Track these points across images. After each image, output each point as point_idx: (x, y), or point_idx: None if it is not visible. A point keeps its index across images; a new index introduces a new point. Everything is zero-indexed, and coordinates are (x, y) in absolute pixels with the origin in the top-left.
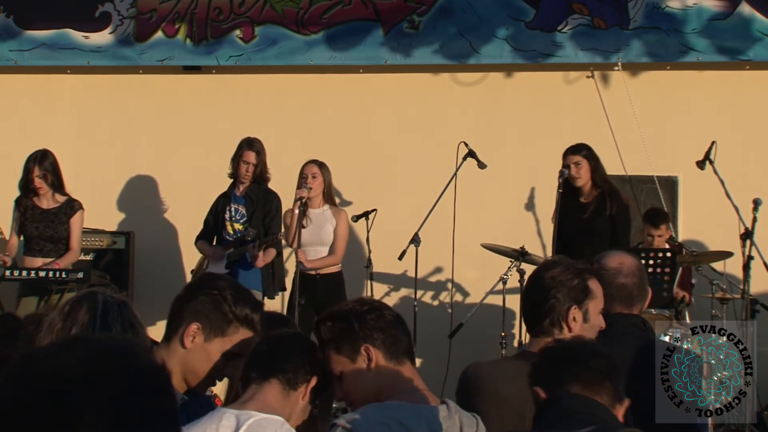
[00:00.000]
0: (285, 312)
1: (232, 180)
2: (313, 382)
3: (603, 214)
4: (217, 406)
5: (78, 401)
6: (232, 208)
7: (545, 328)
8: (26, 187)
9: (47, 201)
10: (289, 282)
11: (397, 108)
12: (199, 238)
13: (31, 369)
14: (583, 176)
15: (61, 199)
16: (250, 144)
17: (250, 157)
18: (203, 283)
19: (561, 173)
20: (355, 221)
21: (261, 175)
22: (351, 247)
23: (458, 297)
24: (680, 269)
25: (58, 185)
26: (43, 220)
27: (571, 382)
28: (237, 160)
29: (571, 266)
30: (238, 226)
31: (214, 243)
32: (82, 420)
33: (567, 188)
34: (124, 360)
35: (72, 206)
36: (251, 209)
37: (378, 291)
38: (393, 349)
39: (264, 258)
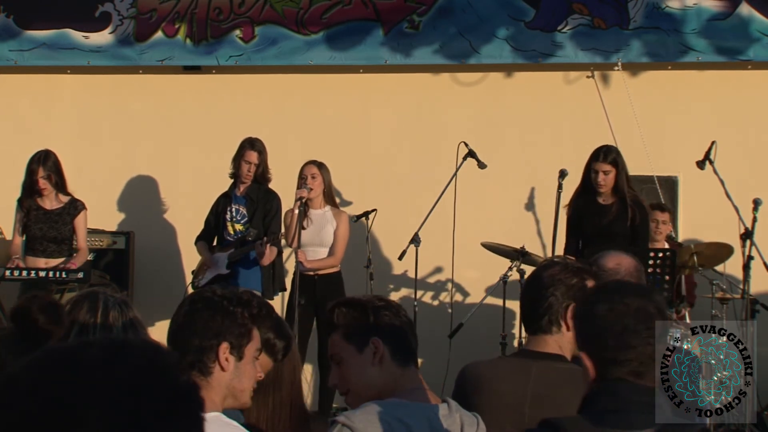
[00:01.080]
0: (284, 312)
1: (232, 180)
2: (224, 347)
3: (624, 219)
4: None
5: (115, 412)
6: (233, 209)
7: (543, 326)
8: (30, 188)
9: (50, 201)
10: (288, 282)
11: (397, 108)
12: (199, 238)
13: (83, 373)
14: (608, 184)
15: (64, 199)
16: (252, 144)
17: (252, 157)
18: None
19: (561, 173)
20: (355, 221)
21: (262, 176)
22: (351, 247)
23: (458, 297)
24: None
25: (61, 185)
26: (47, 220)
27: (623, 368)
28: (238, 159)
29: (570, 265)
30: (238, 227)
31: (215, 243)
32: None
33: (585, 188)
34: (169, 376)
35: (75, 206)
36: (252, 209)
37: (378, 291)
38: (400, 350)
39: (269, 255)
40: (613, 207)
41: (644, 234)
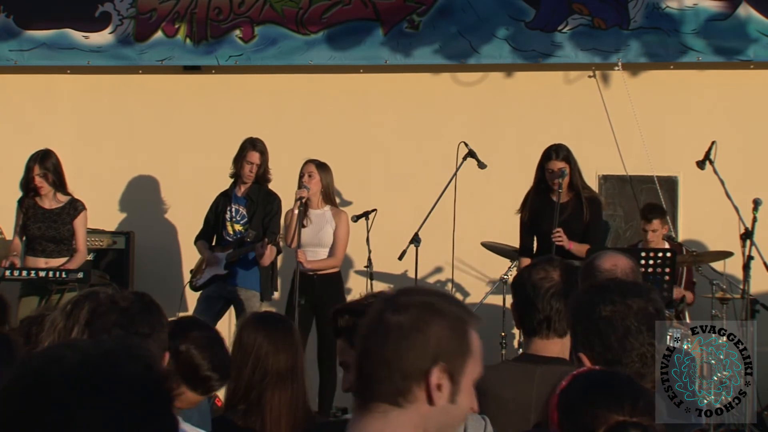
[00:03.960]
0: (285, 312)
1: (232, 180)
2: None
3: (581, 216)
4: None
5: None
6: (233, 209)
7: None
8: (27, 186)
9: (49, 201)
10: (288, 282)
11: (397, 108)
12: (199, 237)
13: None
14: (564, 181)
15: (63, 198)
16: (253, 144)
17: (254, 157)
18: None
19: (561, 173)
20: (355, 221)
21: (263, 176)
22: (351, 247)
23: (458, 297)
24: (684, 269)
25: (59, 185)
26: (46, 220)
27: (625, 369)
28: (240, 160)
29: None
30: (238, 227)
31: (214, 242)
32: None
33: (539, 187)
34: (150, 374)
35: (75, 207)
36: (252, 210)
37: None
38: None
39: (269, 255)
40: (569, 205)
41: (594, 230)
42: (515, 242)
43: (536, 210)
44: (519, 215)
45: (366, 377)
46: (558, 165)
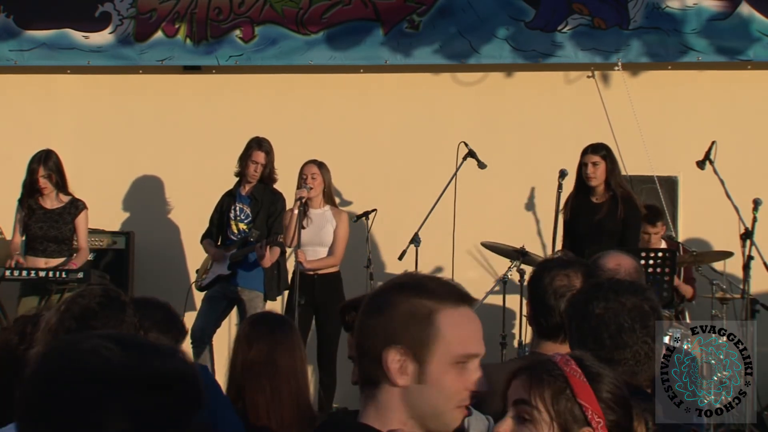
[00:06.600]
0: (284, 312)
1: (237, 179)
2: None
3: (615, 216)
4: None
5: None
6: (237, 208)
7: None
8: (31, 187)
9: (51, 201)
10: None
11: (397, 108)
12: (204, 236)
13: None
14: (598, 177)
15: (64, 198)
16: (259, 144)
17: (260, 157)
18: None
19: (561, 173)
20: (355, 221)
21: (269, 176)
22: (351, 247)
23: None
24: (683, 268)
25: (62, 185)
26: (47, 220)
27: (619, 367)
28: (245, 159)
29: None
30: (242, 226)
31: (219, 242)
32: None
33: (579, 187)
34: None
35: (76, 206)
36: (256, 209)
37: None
38: None
39: (270, 257)
40: (605, 204)
41: (633, 229)
42: (515, 242)
43: (575, 211)
44: (561, 214)
45: (357, 364)
46: (593, 158)
